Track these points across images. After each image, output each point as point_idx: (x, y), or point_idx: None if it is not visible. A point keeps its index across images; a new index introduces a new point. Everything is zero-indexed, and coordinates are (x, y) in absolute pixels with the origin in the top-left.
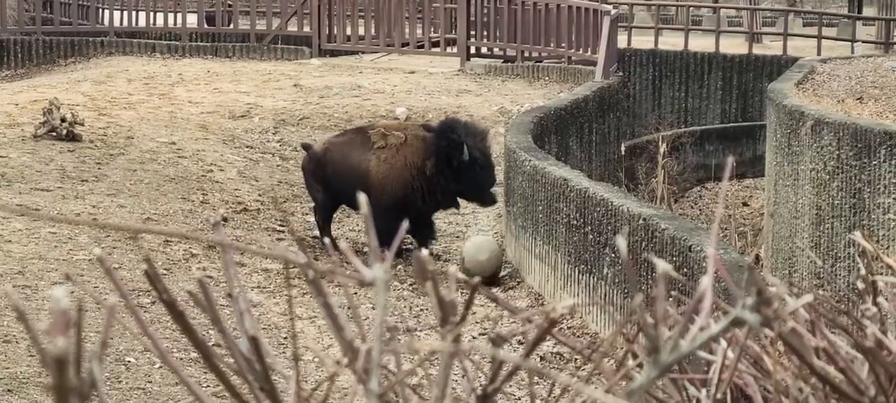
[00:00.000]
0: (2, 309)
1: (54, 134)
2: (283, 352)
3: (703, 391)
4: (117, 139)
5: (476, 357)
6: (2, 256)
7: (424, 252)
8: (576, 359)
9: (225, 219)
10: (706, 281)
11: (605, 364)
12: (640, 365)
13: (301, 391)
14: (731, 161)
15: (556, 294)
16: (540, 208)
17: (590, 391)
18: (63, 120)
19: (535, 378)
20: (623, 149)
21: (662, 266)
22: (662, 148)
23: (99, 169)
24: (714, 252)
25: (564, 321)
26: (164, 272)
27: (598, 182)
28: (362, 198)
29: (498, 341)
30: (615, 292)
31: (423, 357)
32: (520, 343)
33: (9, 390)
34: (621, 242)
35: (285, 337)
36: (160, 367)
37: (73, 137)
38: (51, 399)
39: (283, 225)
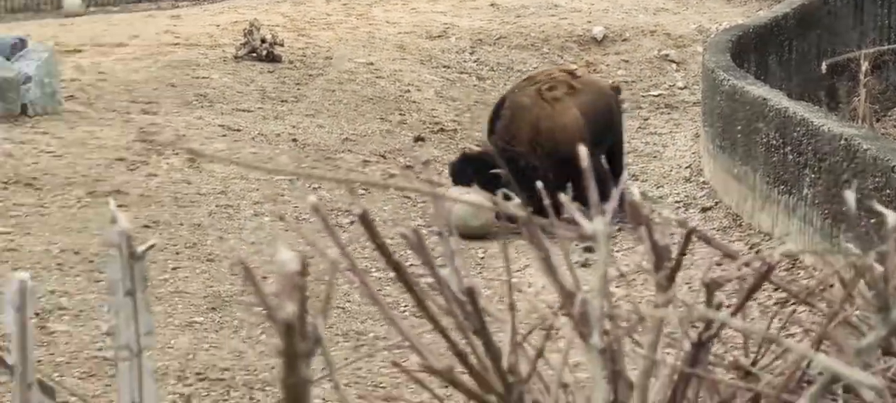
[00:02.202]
0: (206, 228)
1: (254, 55)
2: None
3: None
4: (316, 60)
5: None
6: (205, 176)
7: (636, 192)
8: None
9: (422, 139)
10: None
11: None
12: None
13: (516, 336)
14: None
15: (755, 215)
16: (738, 128)
17: (821, 357)
18: (263, 41)
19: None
20: (824, 67)
21: (893, 217)
22: (864, 66)
23: (298, 89)
24: None
25: (763, 241)
26: (363, 193)
27: (798, 101)
28: (582, 150)
29: (712, 286)
30: (815, 213)
31: (641, 310)
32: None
33: (212, 308)
34: (849, 197)
35: (489, 280)
36: (359, 284)
37: (272, 58)
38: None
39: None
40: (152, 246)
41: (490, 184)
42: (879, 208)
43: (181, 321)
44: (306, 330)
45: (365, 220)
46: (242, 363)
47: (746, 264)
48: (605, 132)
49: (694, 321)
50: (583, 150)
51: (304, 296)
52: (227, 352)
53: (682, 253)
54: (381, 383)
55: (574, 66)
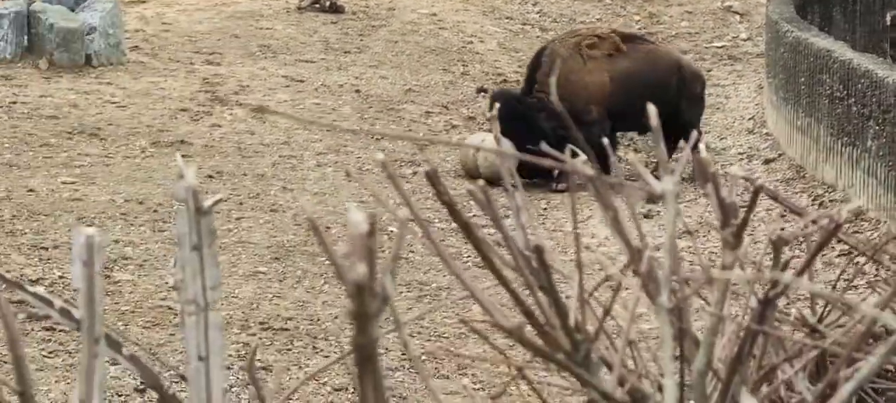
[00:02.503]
0: (269, 179)
1: (318, 6)
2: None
3: None
4: (379, 11)
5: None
6: (268, 127)
7: (703, 147)
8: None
9: (484, 90)
10: None
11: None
12: None
13: (583, 293)
14: None
15: (818, 166)
16: (802, 80)
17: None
18: None
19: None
20: (888, 19)
21: None
22: None
23: (361, 40)
24: None
25: (827, 193)
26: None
27: (863, 53)
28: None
29: (779, 243)
30: (879, 165)
31: (708, 270)
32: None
33: (276, 258)
34: None
35: (544, 208)
36: (423, 237)
37: (336, 9)
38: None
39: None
40: (220, 200)
41: (516, 132)
42: None
43: (245, 271)
44: (375, 289)
45: (432, 177)
46: (305, 313)
47: (813, 221)
48: (655, 102)
49: (762, 283)
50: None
51: (375, 257)
52: (290, 302)
53: (750, 211)
54: (444, 333)
55: (630, 30)
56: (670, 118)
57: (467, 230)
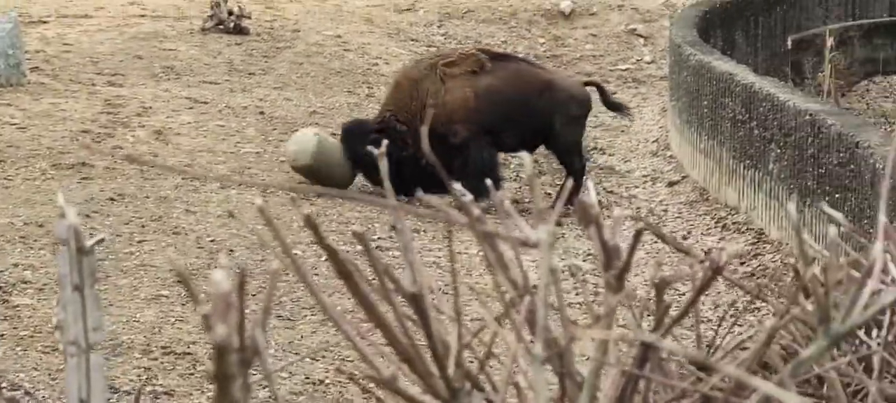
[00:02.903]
0: (172, 201)
1: (222, 27)
2: (443, 291)
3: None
4: (284, 32)
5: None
6: (171, 149)
7: (591, 194)
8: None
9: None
10: (878, 249)
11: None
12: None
13: (462, 340)
14: None
15: (721, 189)
16: (705, 103)
17: (756, 382)
18: (230, 13)
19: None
20: (789, 42)
21: (834, 231)
22: (829, 42)
23: (266, 62)
24: (884, 220)
25: (730, 216)
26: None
27: (764, 76)
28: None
29: (661, 285)
30: (781, 187)
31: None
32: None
33: (178, 281)
34: (791, 209)
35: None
36: (327, 260)
37: (240, 30)
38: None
39: None
40: (101, 241)
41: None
42: (828, 210)
43: (147, 294)
44: (244, 344)
45: (310, 222)
46: (208, 337)
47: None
48: (519, 125)
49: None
50: (424, 136)
51: (241, 315)
52: (193, 326)
53: (632, 253)
54: (349, 356)
55: (505, 51)
56: (540, 136)
57: (346, 277)
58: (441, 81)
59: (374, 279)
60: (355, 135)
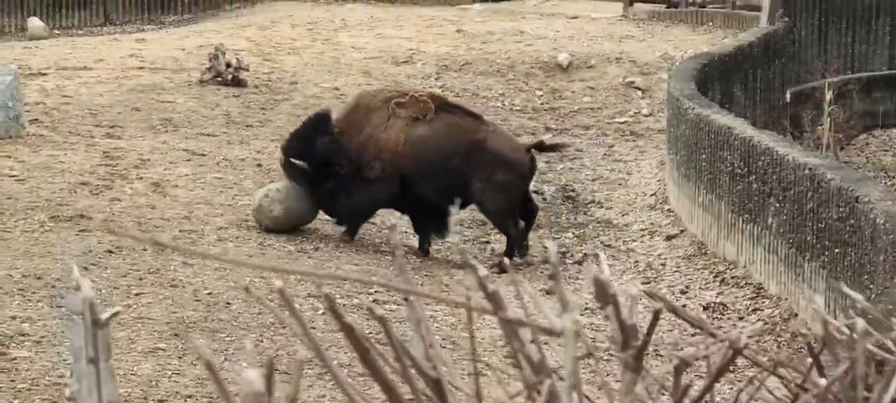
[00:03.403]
0: (169, 254)
1: (220, 79)
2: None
3: None
4: (281, 84)
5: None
6: (169, 201)
7: (605, 269)
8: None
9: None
10: None
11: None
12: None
13: None
14: None
15: (720, 243)
16: (703, 156)
17: None
18: (228, 65)
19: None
20: (788, 96)
21: (861, 324)
22: (828, 95)
23: (263, 114)
24: None
25: (728, 270)
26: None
27: (763, 130)
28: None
29: (680, 366)
30: (780, 242)
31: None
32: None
33: (175, 334)
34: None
35: (446, 284)
36: (324, 313)
37: (238, 82)
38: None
39: None
40: (117, 313)
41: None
42: (849, 292)
43: (144, 347)
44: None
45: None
46: (205, 390)
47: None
48: (436, 179)
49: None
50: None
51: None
52: (190, 379)
53: (650, 333)
54: None
55: (458, 101)
56: (459, 194)
57: (364, 357)
58: (387, 117)
59: (384, 343)
60: (301, 137)
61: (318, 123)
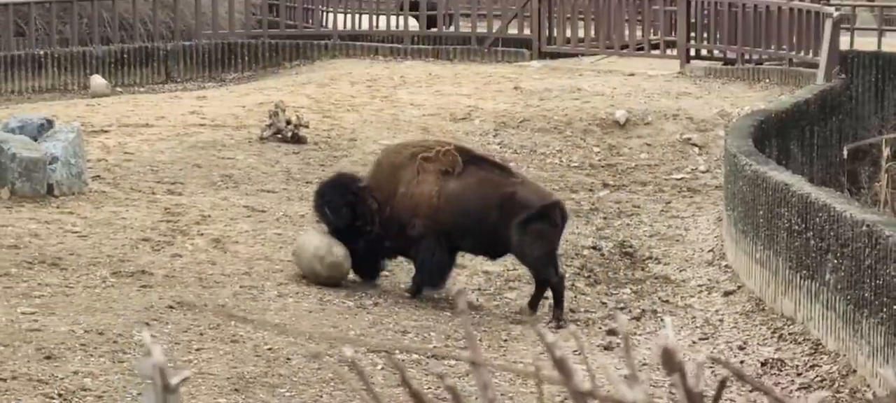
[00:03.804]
0: (230, 309)
1: (280, 136)
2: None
3: None
4: (340, 141)
5: None
6: (229, 257)
7: (670, 336)
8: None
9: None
10: None
11: None
12: None
13: None
14: None
15: (777, 299)
16: (760, 213)
17: None
18: (288, 122)
19: None
20: (845, 152)
21: None
22: (886, 151)
23: (322, 170)
24: None
25: (786, 326)
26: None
27: (820, 186)
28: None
29: None
30: (837, 298)
31: None
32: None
33: (236, 389)
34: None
35: (505, 340)
36: (383, 368)
37: (297, 139)
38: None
39: None
40: (187, 379)
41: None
42: None
43: (205, 402)
44: None
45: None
46: None
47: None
48: (474, 233)
49: None
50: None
51: None
52: None
53: (717, 400)
54: None
55: (481, 152)
56: (500, 246)
57: None
58: (417, 173)
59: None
60: (326, 195)
61: (344, 182)
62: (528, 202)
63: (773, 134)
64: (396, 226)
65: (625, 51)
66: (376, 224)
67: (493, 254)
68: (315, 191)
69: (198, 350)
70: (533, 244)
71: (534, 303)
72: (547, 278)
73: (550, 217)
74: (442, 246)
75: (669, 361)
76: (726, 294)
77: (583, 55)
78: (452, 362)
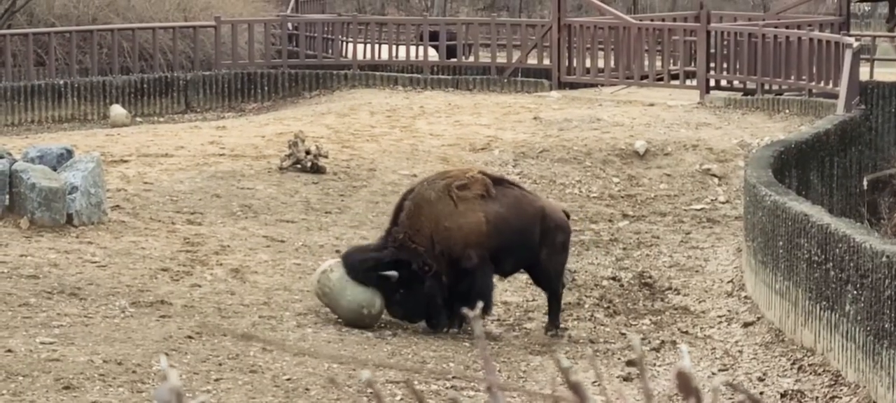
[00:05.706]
0: (249, 340)
1: (299, 166)
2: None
3: None
4: (360, 171)
5: None
6: (249, 287)
7: (686, 360)
8: None
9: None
10: None
11: None
12: None
13: None
14: None
15: (797, 330)
16: (780, 243)
17: None
18: (307, 152)
19: None
20: (865, 183)
21: None
22: None
23: (342, 201)
24: None
25: (806, 357)
26: None
27: (840, 217)
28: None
29: None
30: (857, 329)
31: None
32: None
33: None
34: None
35: (524, 370)
36: (402, 399)
37: (317, 169)
38: None
39: None
40: None
41: (380, 280)
42: None
43: None
44: None
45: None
46: None
47: None
48: (517, 252)
49: None
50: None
51: None
52: None
53: None
54: None
55: (497, 173)
56: (530, 263)
57: None
58: (454, 204)
59: None
60: (358, 265)
61: (370, 247)
62: (556, 216)
63: (792, 164)
64: (446, 262)
65: (644, 81)
66: (432, 264)
67: (512, 272)
68: (356, 267)
69: (216, 380)
70: (559, 256)
71: (556, 320)
72: (557, 290)
73: (569, 229)
74: (491, 269)
75: (685, 385)
76: (746, 325)
77: (602, 85)
78: (472, 394)
